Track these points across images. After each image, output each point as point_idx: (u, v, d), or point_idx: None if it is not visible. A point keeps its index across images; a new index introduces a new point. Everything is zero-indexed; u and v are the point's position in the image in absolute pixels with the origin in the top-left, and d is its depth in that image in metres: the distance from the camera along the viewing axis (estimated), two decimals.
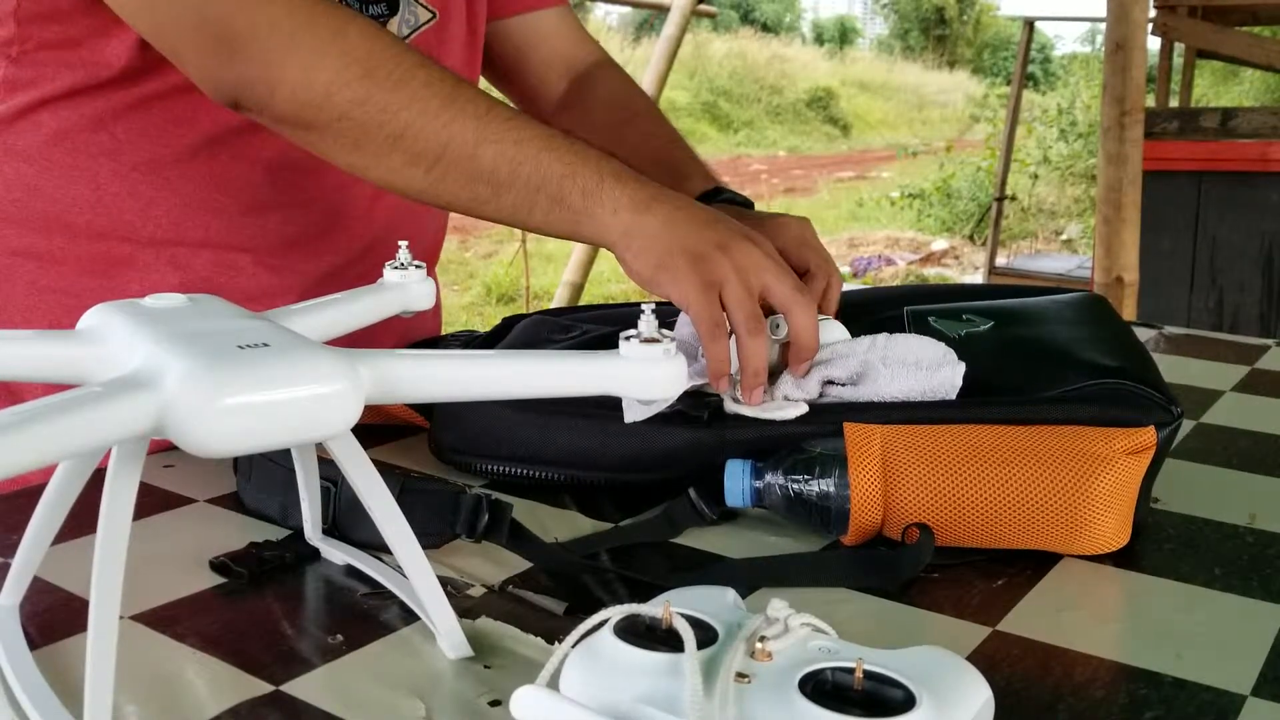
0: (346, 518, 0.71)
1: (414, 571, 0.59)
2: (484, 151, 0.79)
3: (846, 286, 0.93)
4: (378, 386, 0.53)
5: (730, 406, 0.78)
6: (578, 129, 0.94)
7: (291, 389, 0.49)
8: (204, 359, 0.48)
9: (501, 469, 0.82)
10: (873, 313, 0.92)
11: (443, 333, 1.14)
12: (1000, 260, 6.44)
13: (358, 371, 0.52)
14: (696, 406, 0.78)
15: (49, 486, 0.58)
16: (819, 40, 28.09)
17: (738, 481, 0.74)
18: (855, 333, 0.87)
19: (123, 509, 0.49)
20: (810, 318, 0.78)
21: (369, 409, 0.97)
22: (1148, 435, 0.71)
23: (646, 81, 4.45)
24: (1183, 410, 0.75)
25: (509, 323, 0.97)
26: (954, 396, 0.77)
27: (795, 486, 0.72)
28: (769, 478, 0.73)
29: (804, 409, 0.77)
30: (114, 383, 0.48)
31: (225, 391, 0.47)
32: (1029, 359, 0.82)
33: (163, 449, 0.88)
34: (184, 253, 0.96)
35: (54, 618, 0.62)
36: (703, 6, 4.95)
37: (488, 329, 1.00)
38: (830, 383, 0.79)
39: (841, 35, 29.37)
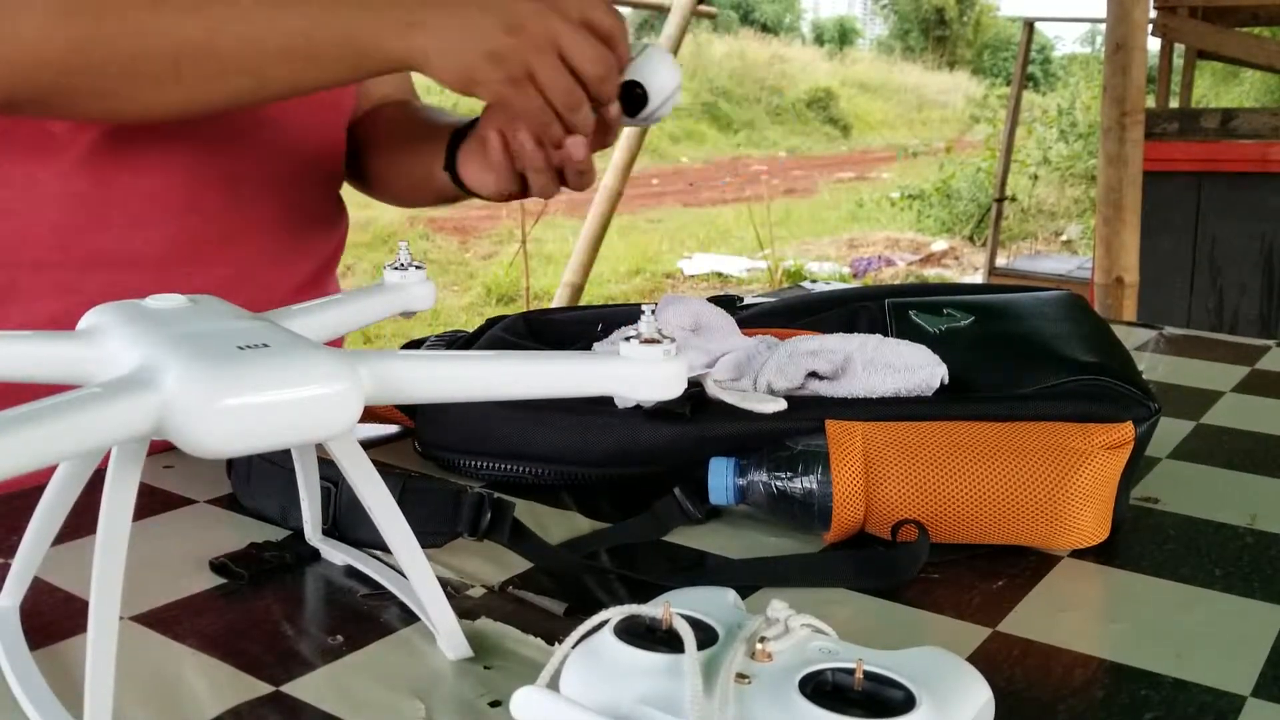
0: (346, 518, 0.71)
1: (414, 572, 0.59)
2: (220, 43, 0.75)
3: (831, 286, 0.94)
4: (378, 387, 0.53)
5: (712, 390, 0.79)
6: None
7: (291, 390, 0.49)
8: (203, 359, 0.48)
9: (485, 465, 0.82)
10: (852, 303, 0.93)
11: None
12: (1000, 261, 6.44)
13: (357, 372, 0.52)
14: (678, 401, 0.78)
15: (49, 487, 0.58)
16: (819, 41, 28.10)
17: (721, 479, 0.74)
18: (835, 324, 0.87)
19: (123, 509, 0.49)
20: (612, 85, 0.79)
21: None
22: (1126, 430, 0.72)
23: None
24: (1160, 406, 0.76)
25: (492, 323, 0.97)
26: (930, 394, 0.78)
27: (778, 484, 0.73)
28: (752, 475, 0.74)
29: (783, 405, 0.77)
30: (113, 383, 0.48)
31: (225, 392, 0.47)
32: (1009, 354, 0.83)
33: (162, 449, 0.88)
34: (70, 275, 0.91)
35: (54, 618, 0.62)
36: (703, 7, 4.95)
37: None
38: (813, 374, 0.79)
39: (841, 36, 29.37)
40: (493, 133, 0.85)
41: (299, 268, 1.05)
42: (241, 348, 0.50)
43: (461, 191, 0.97)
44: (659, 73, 0.85)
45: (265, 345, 0.50)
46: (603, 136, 0.84)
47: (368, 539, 0.70)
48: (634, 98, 0.84)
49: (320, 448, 0.58)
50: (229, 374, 0.48)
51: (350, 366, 0.51)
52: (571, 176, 0.86)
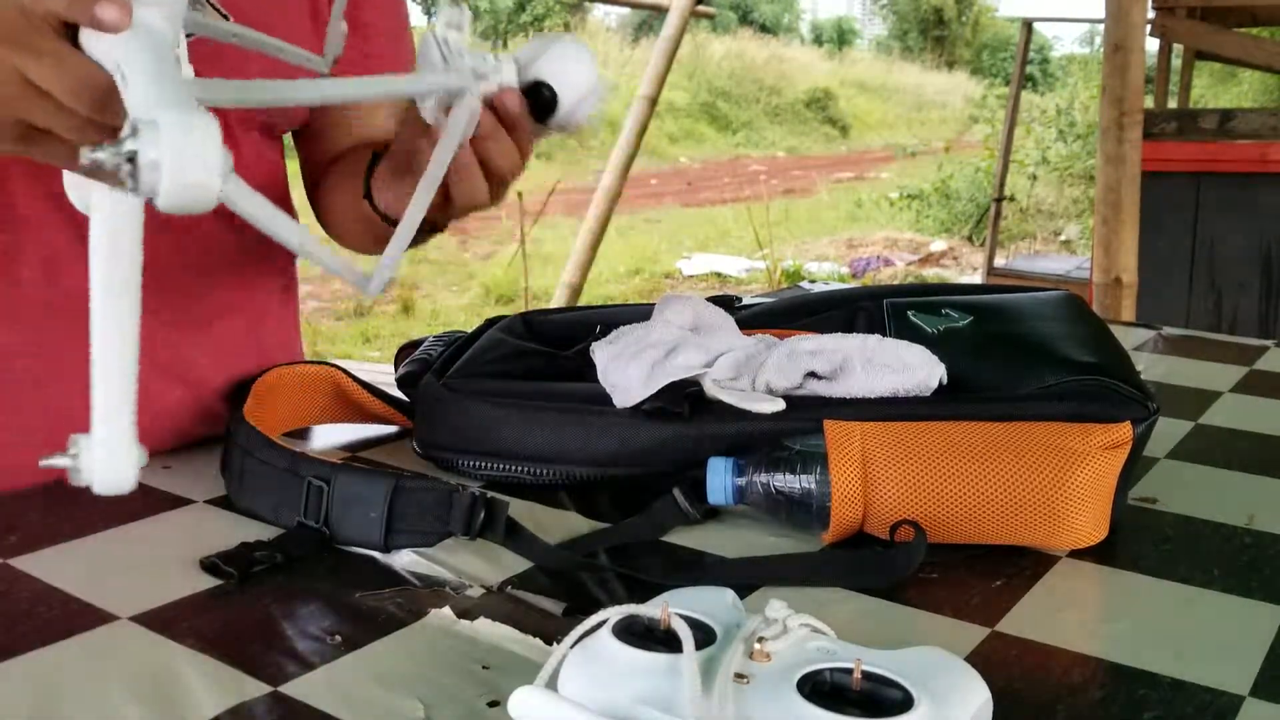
0: (338, 516, 0.71)
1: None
2: None
3: (829, 286, 0.93)
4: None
5: (711, 390, 0.79)
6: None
7: None
8: None
9: (484, 465, 0.82)
10: (850, 304, 0.93)
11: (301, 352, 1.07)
12: (999, 261, 6.44)
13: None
14: (676, 401, 0.78)
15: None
16: (817, 41, 28.12)
17: (720, 479, 0.74)
18: (834, 324, 0.87)
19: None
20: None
21: (352, 409, 0.96)
22: (1124, 430, 0.72)
23: (645, 82, 4.45)
24: (1159, 406, 0.76)
25: (490, 323, 0.97)
26: (929, 394, 0.78)
27: (777, 484, 0.73)
28: (751, 475, 0.74)
29: (781, 405, 0.77)
30: None
31: None
32: (1007, 355, 0.83)
33: (162, 451, 0.88)
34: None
35: (54, 617, 0.62)
36: (701, 7, 4.95)
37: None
38: (811, 374, 0.79)
39: (840, 36, 29.39)
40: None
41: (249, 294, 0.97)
42: None
43: (382, 220, 0.88)
44: (568, 70, 0.72)
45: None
46: (513, 136, 0.73)
47: (359, 537, 0.70)
48: (542, 101, 0.72)
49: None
50: None
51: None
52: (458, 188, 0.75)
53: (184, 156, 0.47)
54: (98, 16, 0.55)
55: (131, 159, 0.47)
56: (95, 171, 0.48)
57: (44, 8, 0.57)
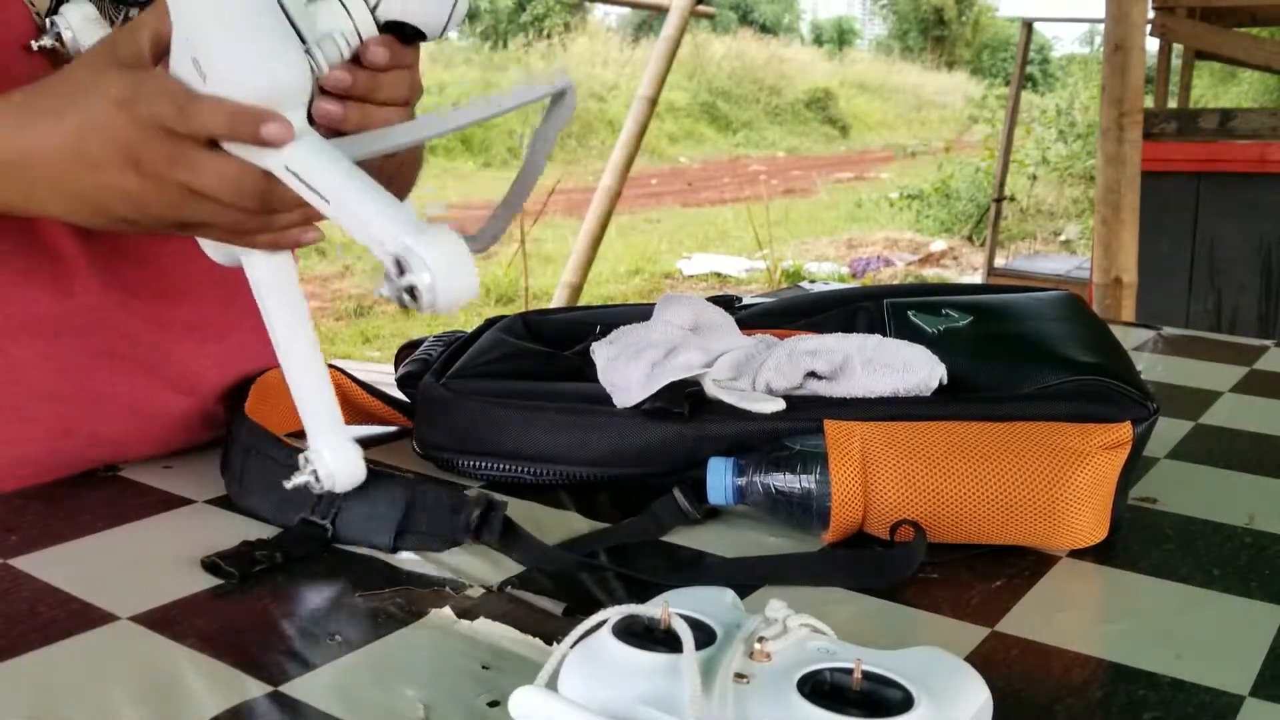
0: (347, 515, 0.71)
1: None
2: None
3: (829, 286, 0.93)
4: None
5: (711, 390, 0.79)
6: None
7: None
8: None
9: (483, 465, 0.82)
10: (850, 304, 0.93)
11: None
12: (999, 261, 6.45)
13: None
14: (676, 401, 0.78)
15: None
16: (818, 41, 28.12)
17: (720, 478, 0.74)
18: (834, 324, 0.87)
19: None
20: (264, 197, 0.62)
21: (351, 410, 0.96)
22: (1124, 431, 0.72)
23: (645, 82, 4.45)
24: (1159, 406, 0.76)
25: (490, 323, 0.97)
26: (929, 394, 0.78)
27: (777, 484, 0.73)
28: (751, 475, 0.74)
29: (782, 404, 0.77)
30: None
31: None
32: (1007, 355, 0.83)
33: (164, 453, 0.88)
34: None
35: (54, 617, 0.62)
36: (701, 7, 4.96)
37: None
38: (811, 374, 0.79)
39: (840, 36, 29.39)
40: None
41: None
42: None
43: None
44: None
45: None
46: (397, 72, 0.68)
47: (364, 538, 0.70)
48: (407, 34, 0.67)
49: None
50: None
51: None
52: None
53: (450, 274, 0.56)
54: (265, 138, 0.59)
55: (411, 290, 0.55)
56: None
57: (194, 129, 0.60)
